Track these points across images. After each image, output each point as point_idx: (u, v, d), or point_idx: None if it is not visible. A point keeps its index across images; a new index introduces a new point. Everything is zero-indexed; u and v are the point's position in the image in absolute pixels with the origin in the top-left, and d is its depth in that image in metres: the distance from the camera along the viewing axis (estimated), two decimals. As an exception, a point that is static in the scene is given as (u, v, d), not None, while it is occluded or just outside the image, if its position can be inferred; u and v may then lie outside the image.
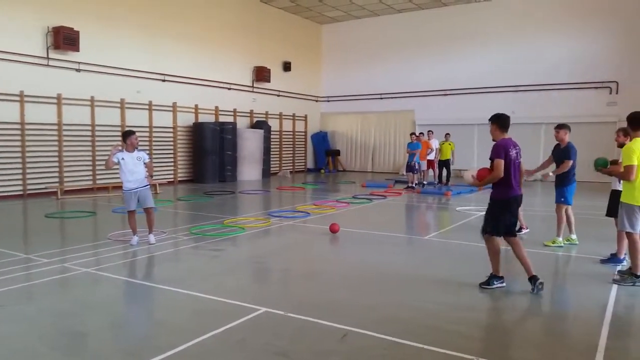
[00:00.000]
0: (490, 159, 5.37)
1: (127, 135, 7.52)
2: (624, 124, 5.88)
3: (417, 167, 15.20)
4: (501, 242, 5.55)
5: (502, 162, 5.22)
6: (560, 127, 7.48)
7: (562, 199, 7.37)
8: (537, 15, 19.29)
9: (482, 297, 5.18)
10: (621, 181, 5.93)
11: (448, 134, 16.95)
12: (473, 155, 20.64)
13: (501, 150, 5.28)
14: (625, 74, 17.80)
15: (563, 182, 7.36)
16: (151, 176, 7.88)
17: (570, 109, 18.48)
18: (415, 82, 21.86)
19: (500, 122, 5.49)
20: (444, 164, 16.44)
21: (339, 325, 4.25)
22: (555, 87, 18.95)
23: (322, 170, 23.16)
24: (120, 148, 7.52)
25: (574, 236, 7.61)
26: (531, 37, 19.35)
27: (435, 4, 20.90)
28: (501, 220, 5.36)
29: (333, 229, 8.31)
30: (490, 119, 5.60)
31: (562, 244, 7.37)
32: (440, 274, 6.02)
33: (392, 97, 22.67)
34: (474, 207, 11.51)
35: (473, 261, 6.64)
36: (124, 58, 15.20)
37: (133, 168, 7.35)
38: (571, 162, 7.25)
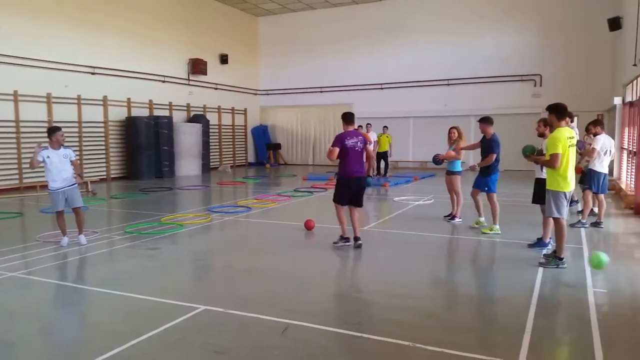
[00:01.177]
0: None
1: (52, 131, 7.17)
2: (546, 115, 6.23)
3: None
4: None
5: (336, 149, 6.67)
6: (482, 120, 8.03)
7: (486, 188, 7.86)
8: (467, 10, 20.04)
9: (415, 284, 5.36)
10: (544, 169, 6.31)
11: (386, 126, 17.32)
12: (409, 147, 21.27)
13: (337, 140, 6.76)
14: (548, 67, 18.88)
15: (487, 171, 7.86)
16: (79, 175, 7.49)
17: (498, 100, 19.41)
18: (353, 75, 22.15)
19: (343, 118, 6.93)
20: (382, 155, 16.79)
21: (280, 319, 4.26)
22: (483, 80, 19.80)
23: (268, 165, 22.97)
24: (44, 146, 7.13)
25: (482, 219, 8.16)
26: (461, 31, 20.09)
27: (371, -2, 21.22)
28: (340, 193, 6.85)
29: (308, 226, 8.11)
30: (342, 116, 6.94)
31: (498, 231, 7.71)
32: (377, 264, 6.18)
33: (330, 91, 22.85)
34: (411, 197, 11.86)
35: (410, 250, 6.86)
36: (49, 50, 14.37)
37: (59, 166, 7.02)
38: (494, 155, 7.76)
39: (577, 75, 18.32)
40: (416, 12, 20.89)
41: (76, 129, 15.30)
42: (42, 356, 3.72)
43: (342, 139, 6.73)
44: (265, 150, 23.88)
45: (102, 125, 16.23)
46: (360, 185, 6.83)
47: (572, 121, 8.78)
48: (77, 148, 15.27)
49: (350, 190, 6.80)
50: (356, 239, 6.84)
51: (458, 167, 8.69)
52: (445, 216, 8.97)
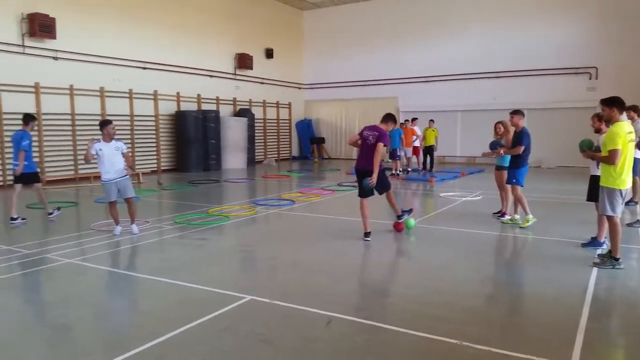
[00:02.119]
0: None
1: (103, 125, 7.36)
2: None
3: (399, 153, 15.24)
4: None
5: (356, 136, 7.16)
6: (514, 113, 7.84)
7: (514, 180, 7.72)
8: (517, 0, 19.37)
9: (462, 281, 5.25)
10: (599, 166, 6.03)
11: (432, 120, 17.00)
12: (456, 142, 20.81)
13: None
14: (604, 59, 18.01)
15: (515, 164, 7.75)
16: (131, 167, 7.76)
17: (550, 94, 18.71)
18: (399, 68, 21.86)
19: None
20: (428, 150, 16.50)
21: (324, 311, 4.28)
22: (535, 72, 19.10)
23: (316, 159, 23.01)
24: (97, 139, 7.39)
25: (517, 216, 8.00)
26: (512, 22, 19.45)
27: (418, -11, 20.85)
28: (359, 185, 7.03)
29: (398, 228, 7.61)
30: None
31: (534, 219, 7.69)
32: (423, 259, 6.08)
33: (375, 84, 22.65)
34: (458, 192, 11.62)
35: (455, 246, 6.72)
36: (102, 46, 14.92)
37: (111, 158, 7.24)
38: (522, 148, 7.63)
39: (636, 67, 17.38)
40: (465, 3, 20.38)
41: (128, 123, 15.85)
42: (96, 339, 3.88)
43: (362, 129, 7.13)
44: (309, 144, 23.97)
45: (152, 119, 16.74)
46: (361, 177, 6.97)
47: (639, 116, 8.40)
48: (129, 141, 15.83)
49: (360, 181, 7.03)
50: (368, 234, 7.02)
51: (507, 162, 8.43)
52: (494, 213, 8.74)
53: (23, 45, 13.00)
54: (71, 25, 13.97)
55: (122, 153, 7.39)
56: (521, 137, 7.66)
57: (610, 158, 5.48)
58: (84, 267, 5.78)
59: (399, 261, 6.07)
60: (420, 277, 5.39)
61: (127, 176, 7.49)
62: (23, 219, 8.43)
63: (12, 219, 8.30)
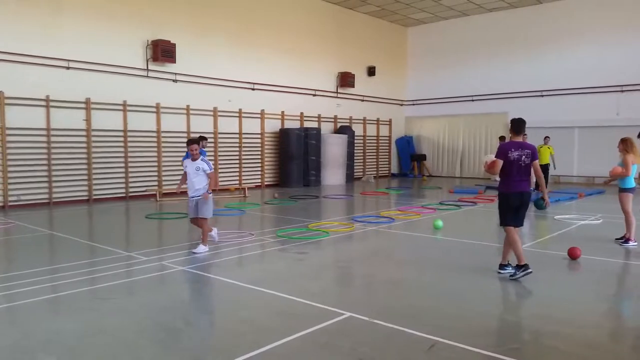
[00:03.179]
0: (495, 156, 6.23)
1: (187, 143, 7.50)
2: None
3: None
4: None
5: (499, 161, 5.96)
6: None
7: None
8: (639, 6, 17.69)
9: (579, 311, 4.78)
10: None
11: (547, 137, 15.94)
12: (573, 160, 19.27)
13: (500, 151, 6.04)
14: None
15: None
16: (212, 188, 7.61)
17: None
18: (508, 82, 20.85)
19: (512, 125, 6.23)
20: (543, 169, 15.42)
21: (425, 334, 4.11)
22: (667, 85, 17.21)
23: (425, 177, 22.59)
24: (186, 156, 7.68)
25: None
26: (634, 31, 17.75)
27: (529, 1, 19.84)
28: (502, 212, 6.08)
29: (574, 254, 6.84)
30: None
31: None
32: (535, 286, 5.64)
33: (482, 99, 21.80)
34: (575, 215, 10.73)
35: (573, 273, 6.16)
36: (216, 68, 15.98)
37: (192, 177, 7.33)
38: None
39: None
40: (579, 13, 19.02)
41: (237, 140, 16.74)
42: (204, 344, 4.06)
43: (505, 150, 5.98)
44: (410, 161, 23.61)
45: (259, 136, 17.53)
46: (521, 203, 6.02)
47: None
48: (237, 157, 16.69)
49: (510, 208, 6.04)
50: (502, 266, 6.14)
51: (628, 183, 7.63)
52: (616, 239, 7.92)
53: (147, 69, 14.32)
54: (189, 50, 15.14)
55: (206, 173, 7.34)
56: None
57: None
58: (194, 274, 6.13)
59: (507, 285, 5.68)
60: (533, 305, 5.00)
61: (202, 196, 7.30)
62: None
63: None
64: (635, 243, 7.62)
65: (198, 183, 7.32)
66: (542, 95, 20.04)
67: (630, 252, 7.29)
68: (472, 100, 22.11)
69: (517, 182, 5.94)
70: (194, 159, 7.37)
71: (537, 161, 6.05)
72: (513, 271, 5.89)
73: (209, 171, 7.37)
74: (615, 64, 18.17)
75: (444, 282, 5.84)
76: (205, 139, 11.19)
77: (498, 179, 6.17)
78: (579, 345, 3.97)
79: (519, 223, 6.10)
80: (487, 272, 6.26)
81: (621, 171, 7.57)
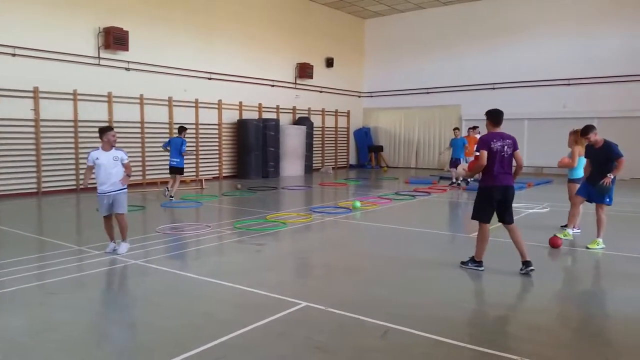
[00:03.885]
0: (476, 150, 5.90)
1: (103, 131, 6.79)
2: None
3: (459, 162, 14.82)
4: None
5: (485, 152, 5.71)
6: (590, 131, 7.06)
7: (609, 200, 7.00)
8: (588, 4, 18.46)
9: (526, 296, 5.01)
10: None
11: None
12: (523, 151, 19.94)
13: (483, 142, 5.79)
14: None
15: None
16: (128, 175, 6.88)
17: (624, 102, 17.62)
18: (462, 75, 21.36)
19: (490, 116, 6.01)
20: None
21: (380, 321, 4.21)
22: (609, 79, 18.07)
23: (385, 167, 22.97)
24: (95, 147, 6.92)
25: (570, 231, 7.51)
26: (583, 27, 18.55)
27: (482, -5, 20.36)
28: (482, 207, 5.89)
29: (555, 244, 7.00)
30: (485, 114, 6.09)
31: (604, 245, 7.00)
32: (484, 273, 5.86)
33: (437, 92, 22.26)
34: (524, 204, 11.16)
35: (519, 259, 6.43)
36: (171, 57, 15.62)
37: (108, 169, 6.60)
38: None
39: None
40: (531, 9, 19.64)
41: (193, 131, 16.46)
42: (159, 338, 4.01)
43: (488, 141, 5.77)
44: (367, 152, 23.89)
45: (216, 127, 17.29)
46: (507, 198, 5.85)
47: None
48: (194, 148, 16.42)
49: (492, 203, 5.84)
50: (526, 263, 5.77)
51: (576, 174, 7.98)
52: (562, 226, 8.30)
53: (98, 57, 13.84)
54: (142, 38, 14.72)
55: (123, 164, 6.74)
56: (614, 149, 6.82)
57: None
58: (148, 268, 6.03)
59: (457, 273, 5.88)
60: (482, 291, 5.20)
61: (123, 190, 6.72)
62: (172, 197, 11.68)
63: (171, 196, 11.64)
64: (579, 230, 8.01)
65: (116, 175, 6.64)
66: (494, 88, 20.65)
67: (574, 239, 7.66)
68: (427, 93, 22.53)
69: (501, 175, 5.73)
70: (110, 148, 6.70)
71: (518, 150, 5.90)
72: (478, 266, 5.87)
73: (126, 160, 6.80)
74: (563, 59, 18.92)
75: (398, 270, 5.98)
76: (186, 129, 12.27)
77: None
78: (527, 329, 4.16)
79: (508, 219, 5.88)
80: (441, 261, 6.46)
81: (568, 162, 7.89)
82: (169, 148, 11.99)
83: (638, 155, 16.10)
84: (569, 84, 18.92)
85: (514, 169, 5.92)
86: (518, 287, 5.34)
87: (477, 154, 5.81)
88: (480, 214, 5.93)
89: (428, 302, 4.81)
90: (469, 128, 16.25)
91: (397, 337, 3.97)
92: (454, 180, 14.84)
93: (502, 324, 4.24)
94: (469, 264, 5.95)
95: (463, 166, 6.04)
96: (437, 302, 4.82)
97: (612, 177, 6.79)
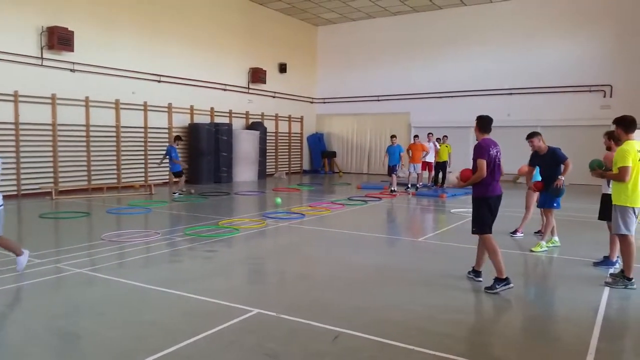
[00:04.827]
0: (472, 159, 5.50)
1: None
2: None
3: (396, 169, 14.94)
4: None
5: (485, 162, 5.34)
6: (534, 135, 7.37)
7: (555, 204, 7.34)
8: (531, 18, 19.40)
9: (472, 299, 5.20)
10: (611, 185, 5.97)
11: (445, 136, 16.97)
12: (469, 158, 20.62)
13: (483, 150, 5.38)
14: (619, 77, 17.90)
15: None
16: None
17: (564, 112, 18.63)
18: (411, 84, 21.91)
19: (481, 123, 5.63)
20: (441, 166, 16.44)
21: (331, 326, 4.25)
22: (549, 90, 19.04)
23: (340, 173, 23.21)
24: None
25: (556, 238, 7.66)
26: (525, 40, 19.46)
27: (430, 7, 20.96)
28: (482, 218, 5.48)
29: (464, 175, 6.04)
30: (476, 119, 5.76)
31: (547, 248, 7.39)
32: (432, 276, 6.03)
33: (387, 100, 22.72)
34: (470, 209, 11.54)
35: (466, 263, 6.65)
36: (119, 58, 15.18)
37: None
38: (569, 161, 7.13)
39: (652, 85, 17.24)
40: (478, 20, 20.43)
41: (142, 134, 16.03)
42: (103, 350, 3.88)
43: (488, 148, 5.38)
44: (321, 158, 24.03)
45: (166, 131, 16.92)
46: (497, 208, 5.56)
47: None
48: (142, 152, 16.00)
49: (491, 211, 5.51)
50: (477, 273, 5.74)
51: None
52: (511, 233, 8.59)
53: (41, 58, 13.27)
54: (89, 38, 14.23)
55: None
56: (560, 154, 7.15)
57: (621, 175, 5.45)
58: (93, 277, 5.82)
59: (407, 277, 6.02)
60: (430, 295, 5.34)
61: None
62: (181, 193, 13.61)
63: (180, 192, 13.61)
64: (522, 234, 8.38)
65: None
66: (440, 97, 21.29)
67: (518, 243, 8.00)
68: (378, 100, 22.95)
69: (495, 184, 5.47)
70: None
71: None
72: (506, 284, 5.34)
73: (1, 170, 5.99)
74: (507, 70, 19.78)
75: (350, 275, 6.05)
76: (180, 138, 14.42)
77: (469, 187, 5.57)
78: (469, 331, 4.32)
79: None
80: (392, 265, 6.59)
81: (527, 170, 8.00)
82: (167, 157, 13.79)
83: (576, 162, 17.00)
84: (511, 94, 19.76)
85: None
86: (468, 291, 5.51)
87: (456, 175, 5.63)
88: (482, 226, 5.49)
89: (378, 306, 4.90)
90: (428, 134, 16.64)
91: (347, 341, 4.02)
92: (393, 187, 14.74)
93: (450, 327, 4.37)
94: (497, 286, 5.31)
95: (456, 174, 5.49)
96: (387, 306, 4.91)
97: (562, 179, 7.05)
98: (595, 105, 18.32)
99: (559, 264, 6.89)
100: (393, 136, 15.62)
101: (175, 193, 13.71)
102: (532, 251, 7.33)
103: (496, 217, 5.60)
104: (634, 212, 5.53)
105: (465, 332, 4.28)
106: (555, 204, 7.33)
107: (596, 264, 6.49)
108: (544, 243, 7.37)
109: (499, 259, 5.39)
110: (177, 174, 13.99)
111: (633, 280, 5.52)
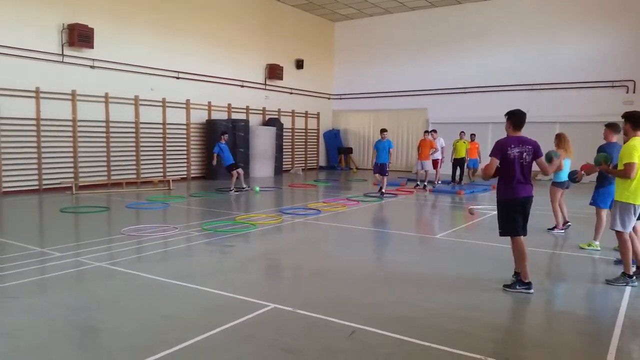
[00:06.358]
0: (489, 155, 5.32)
1: None
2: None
3: (386, 169, 13.61)
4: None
5: (495, 160, 5.16)
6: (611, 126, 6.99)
7: (602, 204, 6.94)
8: (552, 12, 19.08)
9: (491, 297, 5.15)
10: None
11: (462, 132, 16.77)
12: (487, 154, 20.45)
13: (497, 148, 5.20)
14: (642, 72, 17.53)
15: (607, 182, 6.77)
16: None
17: (585, 108, 18.30)
18: (429, 80, 21.73)
19: (513, 119, 5.37)
20: (459, 162, 16.23)
21: (347, 322, 4.26)
22: (570, 85, 18.72)
23: (355, 169, 23.25)
24: None
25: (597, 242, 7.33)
26: (546, 34, 19.15)
27: (449, 1, 20.74)
28: (509, 219, 5.21)
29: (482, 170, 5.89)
30: (505, 115, 5.52)
31: (599, 248, 7.15)
32: (449, 273, 6.00)
33: (404, 95, 22.56)
34: (489, 205, 11.43)
35: (483, 260, 6.60)
36: (138, 55, 15.34)
37: None
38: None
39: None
40: (498, 15, 20.17)
41: (160, 131, 16.21)
42: (124, 342, 3.95)
43: (504, 147, 5.15)
44: (337, 154, 24.01)
45: (184, 127, 17.07)
46: (526, 210, 5.21)
47: None
48: (161, 148, 16.17)
49: (518, 211, 5.18)
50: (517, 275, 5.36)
51: (559, 177, 8.22)
52: (549, 229, 8.51)
53: (62, 54, 13.48)
54: (108, 35, 14.42)
55: None
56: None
57: (626, 171, 5.37)
58: (113, 270, 5.91)
59: (423, 274, 6.00)
60: (447, 292, 5.31)
61: None
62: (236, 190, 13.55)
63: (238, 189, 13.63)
64: (562, 231, 8.38)
65: None
66: (458, 93, 21.07)
67: (537, 241, 7.89)
68: (396, 96, 22.81)
69: (521, 186, 5.12)
70: None
71: (542, 158, 5.31)
72: (527, 289, 5.18)
73: None
74: (527, 65, 19.49)
75: (365, 271, 6.05)
76: (226, 133, 14.63)
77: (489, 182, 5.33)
78: (492, 329, 4.28)
79: (525, 231, 5.26)
80: (407, 261, 6.56)
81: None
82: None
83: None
84: (532, 89, 19.48)
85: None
86: (485, 289, 5.46)
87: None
88: (509, 228, 5.21)
89: (394, 302, 4.89)
90: (432, 131, 16.47)
91: (364, 337, 4.02)
92: (384, 189, 13.44)
93: (468, 324, 4.34)
94: (517, 287, 5.20)
95: (482, 166, 5.23)
96: (402, 302, 4.89)
97: (584, 173, 6.62)
98: (618, 100, 17.94)
99: (580, 261, 6.78)
100: (383, 130, 13.91)
101: (231, 190, 13.56)
102: (580, 247, 7.23)
103: (526, 219, 5.26)
104: (635, 210, 5.46)
105: (483, 330, 4.24)
106: (602, 204, 6.91)
107: (617, 263, 6.38)
108: (597, 243, 7.17)
109: (525, 263, 5.21)
110: (230, 168, 13.86)
111: (634, 278, 5.48)
